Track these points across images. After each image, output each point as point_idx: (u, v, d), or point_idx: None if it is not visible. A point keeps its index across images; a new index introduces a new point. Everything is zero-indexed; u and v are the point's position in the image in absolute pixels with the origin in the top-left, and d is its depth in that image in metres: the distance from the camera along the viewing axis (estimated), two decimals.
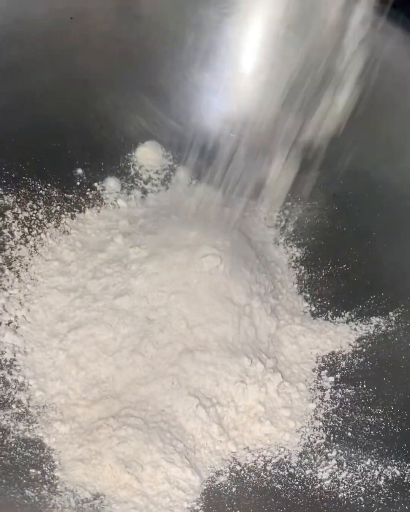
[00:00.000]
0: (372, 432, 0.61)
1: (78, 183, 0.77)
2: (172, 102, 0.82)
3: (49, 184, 0.74)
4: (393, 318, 0.68)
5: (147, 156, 0.81)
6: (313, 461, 0.60)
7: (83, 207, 0.76)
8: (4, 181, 0.71)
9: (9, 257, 0.69)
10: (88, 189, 0.78)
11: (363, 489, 0.57)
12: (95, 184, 0.78)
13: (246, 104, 0.81)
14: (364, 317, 0.70)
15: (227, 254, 0.67)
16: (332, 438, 0.62)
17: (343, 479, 0.58)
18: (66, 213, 0.75)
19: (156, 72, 0.81)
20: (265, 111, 0.76)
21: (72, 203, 0.76)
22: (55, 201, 0.74)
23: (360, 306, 0.71)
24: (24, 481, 0.53)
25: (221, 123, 0.82)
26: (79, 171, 0.78)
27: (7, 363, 0.62)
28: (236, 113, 0.82)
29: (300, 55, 0.75)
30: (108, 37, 0.78)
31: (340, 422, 0.63)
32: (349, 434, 0.62)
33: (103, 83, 0.78)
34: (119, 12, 0.78)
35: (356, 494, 0.57)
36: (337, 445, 0.61)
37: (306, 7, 0.74)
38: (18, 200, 0.71)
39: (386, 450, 0.59)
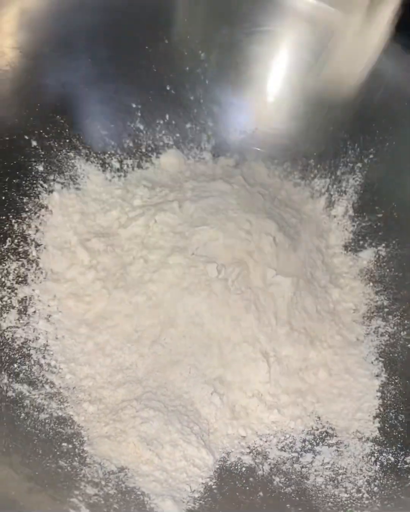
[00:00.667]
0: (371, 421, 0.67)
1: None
2: (195, 116, 0.88)
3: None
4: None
5: (171, 162, 0.88)
6: (315, 447, 0.66)
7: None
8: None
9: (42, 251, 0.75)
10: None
11: (359, 472, 0.63)
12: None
13: (265, 119, 0.87)
14: None
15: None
16: (334, 427, 0.68)
17: (341, 463, 0.64)
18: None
19: (181, 88, 0.87)
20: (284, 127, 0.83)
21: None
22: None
23: None
24: (58, 453, 0.59)
25: (241, 136, 0.89)
26: (117, 165, 0.85)
27: (41, 348, 0.68)
28: (256, 127, 0.88)
29: (319, 79, 0.82)
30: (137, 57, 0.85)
31: None
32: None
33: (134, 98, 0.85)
34: (147, 29, 0.85)
35: (354, 477, 0.63)
36: (339, 434, 0.67)
37: (325, 35, 0.81)
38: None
39: (383, 438, 0.66)
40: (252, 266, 0.71)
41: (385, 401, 0.69)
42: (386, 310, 0.76)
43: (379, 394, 0.70)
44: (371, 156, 0.82)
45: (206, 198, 0.77)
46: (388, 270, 0.78)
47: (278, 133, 0.88)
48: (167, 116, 0.87)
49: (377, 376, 0.71)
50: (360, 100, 0.82)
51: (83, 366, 0.69)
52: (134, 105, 0.85)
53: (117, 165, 0.85)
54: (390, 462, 0.63)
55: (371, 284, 0.79)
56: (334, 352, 0.73)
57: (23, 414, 0.61)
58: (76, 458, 0.60)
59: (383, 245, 0.80)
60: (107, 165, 0.84)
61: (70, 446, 0.61)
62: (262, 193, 0.81)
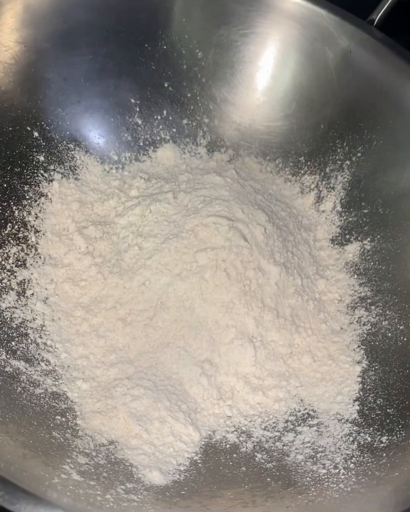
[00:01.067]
0: (351, 404, 0.71)
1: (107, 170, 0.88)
2: (191, 112, 0.92)
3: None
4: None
5: (167, 155, 0.91)
6: (296, 427, 0.70)
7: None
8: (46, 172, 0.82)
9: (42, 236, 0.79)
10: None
11: (337, 450, 0.66)
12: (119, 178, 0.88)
13: (258, 116, 0.91)
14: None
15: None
16: (315, 409, 0.71)
17: (321, 442, 0.68)
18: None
19: (179, 85, 0.90)
20: (276, 125, 0.87)
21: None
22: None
23: None
24: (52, 425, 0.63)
25: (235, 132, 0.92)
26: (115, 157, 0.89)
27: (38, 328, 0.72)
28: (250, 124, 0.91)
29: (307, 76, 0.85)
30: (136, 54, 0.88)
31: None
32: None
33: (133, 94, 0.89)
34: (147, 27, 0.88)
35: (332, 455, 0.66)
36: (320, 415, 0.70)
37: (317, 36, 0.84)
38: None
39: (361, 420, 0.69)
40: (243, 253, 0.75)
41: (365, 386, 0.72)
42: (369, 301, 0.79)
43: (359, 379, 0.73)
44: (359, 154, 0.86)
45: (199, 190, 0.81)
46: (372, 263, 0.82)
47: (271, 130, 0.91)
48: (164, 112, 0.91)
49: (358, 362, 0.75)
50: (349, 100, 0.86)
51: (78, 346, 0.72)
52: (133, 101, 0.89)
53: (115, 158, 0.89)
54: (366, 441, 0.66)
55: (356, 276, 0.82)
56: (318, 339, 0.76)
57: (19, 388, 0.64)
58: (68, 431, 0.63)
59: (368, 239, 0.83)
60: (105, 157, 0.88)
61: (63, 419, 0.64)
62: (253, 186, 0.85)
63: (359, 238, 0.84)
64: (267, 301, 0.75)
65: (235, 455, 0.66)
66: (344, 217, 0.86)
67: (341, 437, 0.68)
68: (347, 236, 0.85)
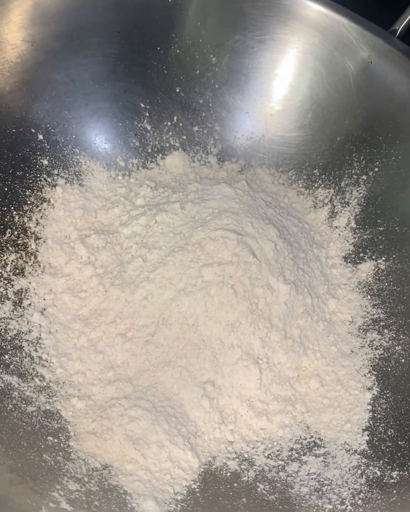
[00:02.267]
0: (360, 434, 0.67)
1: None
2: (202, 119, 0.88)
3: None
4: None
5: (176, 163, 0.88)
6: (302, 456, 0.66)
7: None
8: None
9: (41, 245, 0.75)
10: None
11: (344, 484, 0.62)
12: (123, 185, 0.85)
13: (272, 126, 0.87)
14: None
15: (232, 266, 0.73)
16: (322, 437, 0.67)
17: (327, 474, 0.64)
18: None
19: (191, 91, 0.87)
20: (291, 135, 0.83)
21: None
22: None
23: None
24: (43, 446, 0.59)
25: (247, 142, 0.89)
26: (122, 163, 0.85)
27: (34, 341, 0.68)
28: (263, 134, 0.88)
29: (325, 86, 0.82)
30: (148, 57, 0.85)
31: None
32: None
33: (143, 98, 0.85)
34: (160, 30, 0.85)
35: (339, 488, 0.62)
36: (327, 445, 0.67)
37: (337, 46, 0.81)
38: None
39: (370, 452, 0.65)
40: (251, 270, 0.71)
41: (375, 414, 0.68)
42: (382, 323, 0.76)
43: (369, 407, 0.69)
44: (376, 169, 0.82)
45: (208, 201, 0.77)
46: (386, 284, 0.78)
47: (285, 141, 0.88)
48: (175, 118, 0.88)
49: (369, 389, 0.71)
50: (368, 113, 0.83)
51: (75, 361, 0.68)
52: (142, 105, 0.86)
53: (122, 164, 0.85)
54: (376, 475, 0.63)
55: (369, 297, 0.79)
56: (327, 363, 0.73)
57: (10, 406, 0.61)
58: (60, 453, 0.59)
59: (383, 258, 0.79)
60: (112, 163, 0.85)
61: (55, 440, 0.60)
62: (264, 199, 0.81)
63: (373, 257, 0.80)
64: (274, 321, 0.71)
65: (235, 484, 0.62)
66: (359, 235, 0.83)
67: (349, 470, 0.64)
68: (361, 255, 0.81)
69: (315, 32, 0.84)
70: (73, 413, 0.64)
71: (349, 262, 0.82)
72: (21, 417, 0.60)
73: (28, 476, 0.54)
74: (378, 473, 0.63)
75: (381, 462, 0.64)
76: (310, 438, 0.67)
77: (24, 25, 0.75)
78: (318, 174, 0.86)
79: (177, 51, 0.86)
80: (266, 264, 0.72)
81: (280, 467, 0.65)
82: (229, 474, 0.64)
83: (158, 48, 0.85)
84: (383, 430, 0.66)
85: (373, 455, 0.65)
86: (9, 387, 0.62)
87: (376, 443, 0.66)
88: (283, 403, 0.69)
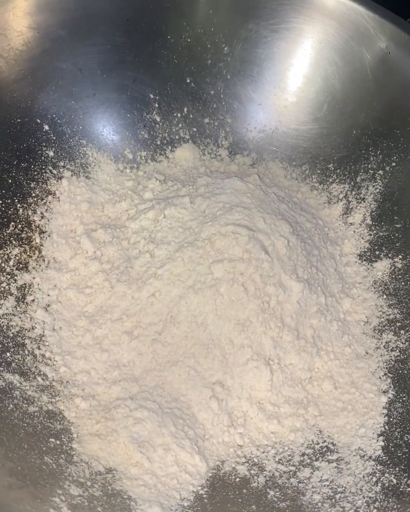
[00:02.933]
0: (375, 439, 0.64)
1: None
2: (213, 111, 0.85)
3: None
4: None
5: (185, 156, 0.85)
6: (314, 462, 0.63)
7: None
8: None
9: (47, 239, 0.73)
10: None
11: (359, 492, 0.60)
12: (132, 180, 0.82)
13: (286, 118, 0.84)
14: None
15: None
16: (335, 442, 0.65)
17: (341, 481, 0.61)
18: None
19: (202, 81, 0.84)
20: (305, 128, 0.80)
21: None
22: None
23: None
24: (44, 448, 0.57)
25: (260, 134, 0.86)
26: (130, 156, 0.82)
27: (37, 338, 0.66)
28: (276, 127, 0.85)
29: (341, 78, 0.79)
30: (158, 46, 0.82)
31: None
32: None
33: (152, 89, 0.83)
34: (170, 18, 0.82)
35: (353, 497, 0.59)
36: (340, 450, 0.64)
37: (353, 35, 0.78)
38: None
39: (386, 458, 0.62)
40: (263, 267, 0.68)
41: (391, 419, 0.65)
42: (398, 324, 0.73)
43: (385, 411, 0.66)
44: (393, 164, 0.79)
45: (218, 195, 0.75)
46: (403, 283, 0.75)
47: (299, 134, 0.85)
48: (185, 109, 0.85)
49: (384, 392, 0.68)
50: (386, 105, 0.79)
51: (79, 360, 0.66)
52: (152, 96, 0.83)
53: (130, 156, 0.83)
54: (392, 483, 0.60)
55: (385, 296, 0.76)
56: (340, 364, 0.70)
57: (11, 406, 0.58)
58: (62, 455, 0.57)
59: (400, 256, 0.76)
60: (120, 155, 0.82)
61: (57, 442, 0.58)
62: (277, 194, 0.79)
63: (389, 255, 0.77)
64: (287, 320, 0.68)
65: (244, 490, 0.60)
66: (374, 231, 0.79)
67: (363, 477, 0.61)
68: (377, 252, 0.78)
69: (331, 21, 0.81)
70: (76, 414, 0.62)
71: (364, 260, 0.79)
72: (22, 417, 0.58)
73: (29, 480, 0.52)
74: (394, 480, 0.60)
75: (397, 469, 0.61)
76: (323, 442, 0.65)
77: (29, 11, 0.72)
78: (332, 168, 0.83)
79: (188, 40, 0.83)
80: (278, 261, 0.69)
81: (291, 472, 0.62)
82: (238, 479, 0.61)
83: (169, 37, 0.82)
84: (399, 436, 0.63)
85: (388, 462, 0.62)
86: (10, 386, 0.60)
87: (392, 449, 0.63)
88: (294, 405, 0.66)
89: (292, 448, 0.64)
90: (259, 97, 0.85)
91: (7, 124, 0.72)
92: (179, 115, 0.85)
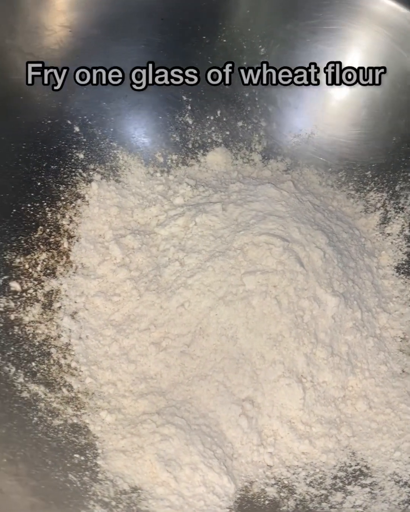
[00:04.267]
0: None
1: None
2: (247, 114, 0.83)
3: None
4: None
5: (217, 160, 0.82)
6: (346, 486, 0.60)
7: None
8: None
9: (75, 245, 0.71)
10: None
11: None
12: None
13: (322, 123, 0.81)
14: None
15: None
16: (369, 466, 0.62)
17: (374, 508, 0.58)
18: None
19: (236, 83, 0.82)
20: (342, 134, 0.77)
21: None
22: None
23: None
24: (68, 465, 0.55)
25: (295, 139, 0.83)
26: (161, 159, 0.80)
27: (63, 347, 0.64)
28: (311, 131, 0.82)
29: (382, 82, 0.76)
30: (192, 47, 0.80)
31: None
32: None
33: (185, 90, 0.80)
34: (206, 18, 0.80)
35: None
36: (374, 474, 0.61)
37: (395, 38, 0.75)
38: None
39: None
40: (297, 280, 0.66)
41: None
42: None
43: None
44: None
45: (251, 203, 0.72)
46: None
47: (336, 140, 0.82)
48: (218, 112, 0.82)
49: None
50: None
51: (105, 370, 0.64)
52: (185, 98, 0.81)
53: (161, 160, 0.80)
54: None
55: None
56: (376, 383, 0.67)
57: (36, 418, 0.57)
58: (87, 473, 0.55)
59: None
60: (150, 159, 0.80)
61: (82, 458, 0.56)
62: (312, 202, 0.76)
63: None
64: (321, 336, 0.66)
65: None
66: None
67: (399, 504, 0.58)
68: None
69: (373, 24, 0.78)
70: (102, 428, 0.60)
71: (402, 272, 0.76)
72: (46, 431, 0.56)
73: (52, 500, 0.50)
74: None
75: None
76: (356, 465, 0.62)
77: (63, 9, 0.70)
78: (370, 176, 0.80)
79: (224, 40, 0.80)
80: (314, 274, 0.67)
81: (322, 496, 0.59)
82: (267, 502, 0.59)
83: (204, 37, 0.79)
84: None
85: None
86: (35, 398, 0.58)
87: None
88: (327, 425, 0.63)
89: (323, 470, 0.61)
90: (295, 101, 0.83)
91: (37, 125, 0.71)
92: (212, 118, 0.82)
